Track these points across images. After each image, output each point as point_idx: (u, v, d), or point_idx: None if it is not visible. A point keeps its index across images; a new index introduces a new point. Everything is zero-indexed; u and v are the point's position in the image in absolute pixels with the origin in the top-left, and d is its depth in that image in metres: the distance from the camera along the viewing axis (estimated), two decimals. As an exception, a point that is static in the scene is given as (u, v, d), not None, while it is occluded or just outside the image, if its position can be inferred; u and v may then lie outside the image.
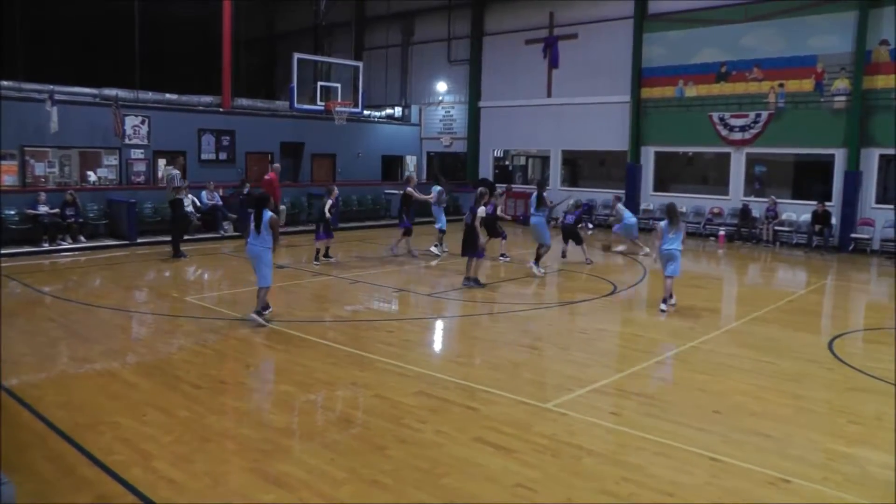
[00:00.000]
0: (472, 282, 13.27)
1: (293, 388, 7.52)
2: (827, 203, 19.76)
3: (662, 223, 11.66)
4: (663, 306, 11.50)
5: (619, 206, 17.77)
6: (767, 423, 6.66)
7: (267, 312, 10.41)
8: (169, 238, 16.59)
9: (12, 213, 16.94)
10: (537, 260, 14.82)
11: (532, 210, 15.02)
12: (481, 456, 5.81)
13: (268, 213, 10.05)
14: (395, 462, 5.68)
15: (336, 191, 15.82)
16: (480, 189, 13.45)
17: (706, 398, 7.37)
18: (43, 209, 17.07)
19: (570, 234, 16.57)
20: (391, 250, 16.98)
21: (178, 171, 16.14)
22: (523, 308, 11.84)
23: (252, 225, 10.10)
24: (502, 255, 16.67)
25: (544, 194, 15.14)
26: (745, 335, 10.28)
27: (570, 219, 16.59)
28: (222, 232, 19.85)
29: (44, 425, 6.38)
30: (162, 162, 21.83)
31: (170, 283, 14.10)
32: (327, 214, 15.31)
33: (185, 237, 17.29)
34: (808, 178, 21.78)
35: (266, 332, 9.81)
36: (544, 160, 28.04)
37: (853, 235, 19.63)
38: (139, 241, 18.14)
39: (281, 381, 7.72)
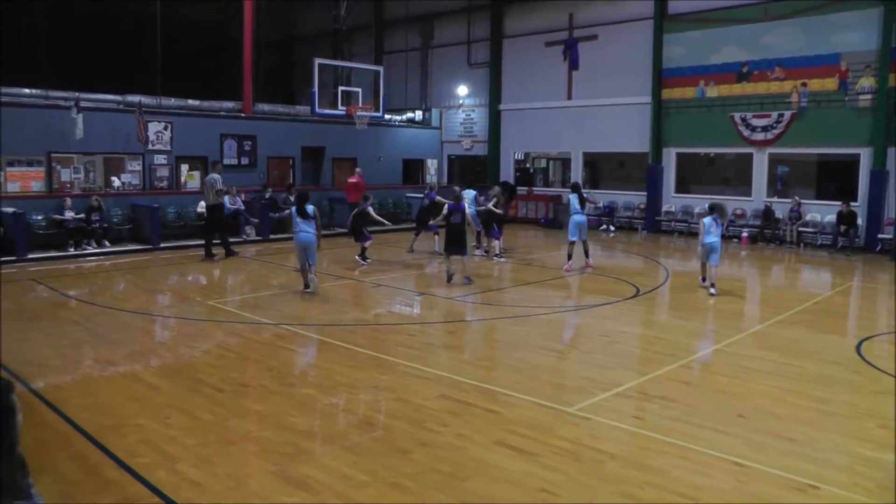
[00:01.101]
0: (468, 280, 13.85)
1: (315, 391, 7.54)
2: (852, 203, 19.52)
3: (708, 218, 13.04)
4: (713, 290, 13.02)
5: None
6: (792, 427, 6.58)
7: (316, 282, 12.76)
8: (216, 241, 17.15)
9: (39, 218, 17.14)
10: (570, 257, 15.72)
11: (578, 209, 15.57)
12: (503, 459, 5.79)
13: (311, 206, 12.64)
14: (417, 465, 5.67)
15: (371, 197, 16.44)
16: (497, 188, 13.81)
17: (729, 401, 7.30)
18: (69, 214, 17.27)
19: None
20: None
21: (218, 176, 16.59)
22: (545, 311, 11.79)
23: (298, 217, 12.57)
24: (497, 254, 17.06)
25: (585, 194, 16.04)
26: (769, 338, 10.17)
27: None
28: (244, 236, 19.96)
29: (69, 426, 6.45)
30: (185, 167, 22.03)
31: (192, 287, 14.19)
32: (377, 218, 15.97)
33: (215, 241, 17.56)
34: (833, 178, 21.52)
35: (288, 336, 9.85)
36: (565, 162, 27.95)
37: (880, 236, 19.36)
38: (162, 245, 18.29)
39: (302, 385, 7.74)
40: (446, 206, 14.25)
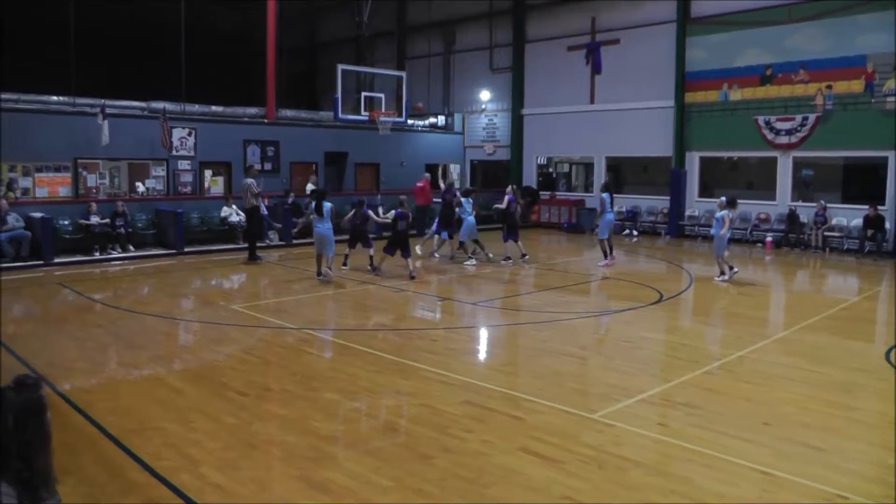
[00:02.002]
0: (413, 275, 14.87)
1: (338, 395, 7.54)
2: (879, 207, 19.28)
3: (725, 213, 13.97)
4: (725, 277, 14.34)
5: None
6: (820, 436, 6.48)
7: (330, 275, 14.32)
8: (245, 245, 17.64)
9: (66, 223, 17.32)
10: (611, 251, 16.69)
11: (610, 209, 16.62)
12: (527, 466, 5.76)
13: (328, 204, 14.43)
14: (440, 471, 5.65)
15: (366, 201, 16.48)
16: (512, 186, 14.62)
17: (755, 409, 7.22)
18: (94, 219, 17.44)
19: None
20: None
21: (252, 180, 16.95)
22: (568, 316, 11.74)
23: (314, 214, 14.44)
24: (507, 257, 17.09)
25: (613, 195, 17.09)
26: (794, 344, 10.06)
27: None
28: (268, 241, 20.04)
29: (95, 429, 6.49)
30: (208, 173, 22.22)
31: (216, 292, 14.27)
32: (380, 220, 16.00)
33: (234, 246, 17.73)
34: (859, 182, 21.26)
35: (311, 340, 9.87)
36: (588, 167, 27.85)
37: (909, 240, 19.12)
38: (186, 250, 18.42)
39: (325, 389, 7.74)
40: (393, 213, 15.19)
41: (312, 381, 8.00)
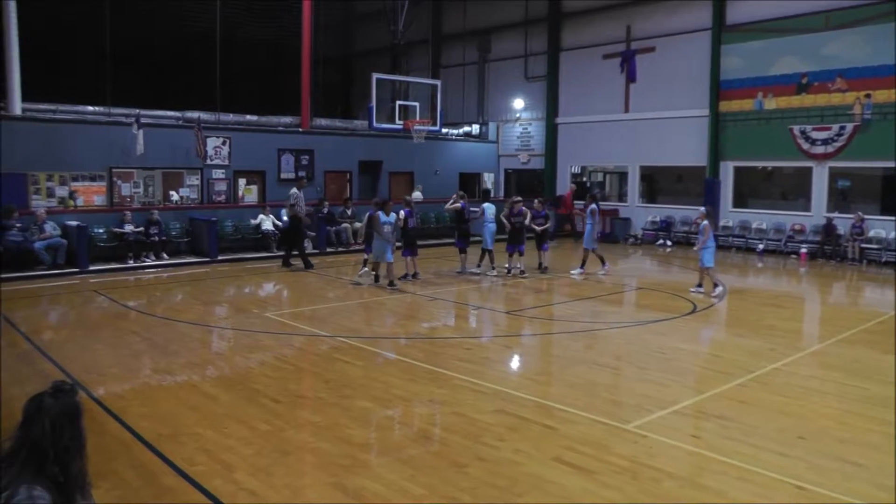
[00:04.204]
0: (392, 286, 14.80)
1: (371, 403, 7.61)
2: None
3: (706, 222, 14.22)
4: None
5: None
6: (856, 450, 6.43)
7: (397, 283, 14.80)
8: (296, 253, 17.94)
9: (101, 231, 17.61)
10: (603, 261, 17.17)
11: (597, 219, 17.20)
12: (560, 476, 5.78)
13: (379, 213, 14.54)
14: (474, 480, 5.69)
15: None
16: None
17: (789, 422, 7.17)
18: (128, 228, 17.72)
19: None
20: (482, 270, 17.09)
21: (295, 191, 17.78)
22: (601, 326, 11.72)
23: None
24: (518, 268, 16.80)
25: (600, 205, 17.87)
26: (829, 357, 9.97)
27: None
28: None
29: (129, 434, 6.63)
30: (242, 181, 22.48)
31: (249, 299, 14.43)
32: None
33: (268, 254, 18.00)
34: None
35: (344, 348, 9.96)
36: (622, 176, 27.74)
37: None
38: (219, 258, 18.64)
39: (359, 397, 7.80)
40: (402, 212, 15.38)
41: (346, 389, 8.08)
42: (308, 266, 17.42)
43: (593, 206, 17.14)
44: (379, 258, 14.87)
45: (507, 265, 16.85)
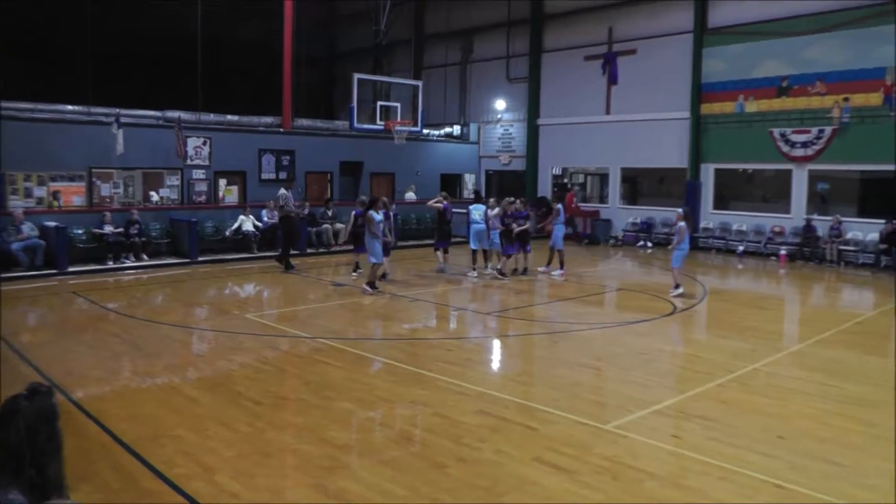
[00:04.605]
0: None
1: (353, 405, 7.59)
2: (896, 221, 19.19)
3: (683, 223, 14.12)
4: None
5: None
6: (836, 450, 6.49)
7: (375, 288, 14.11)
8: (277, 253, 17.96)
9: (80, 232, 17.46)
10: (562, 264, 17.16)
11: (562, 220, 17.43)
12: (541, 476, 5.79)
13: (370, 213, 14.11)
14: (455, 481, 5.69)
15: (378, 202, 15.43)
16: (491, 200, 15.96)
17: (770, 422, 7.22)
18: (108, 228, 17.57)
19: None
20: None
21: (283, 192, 17.65)
22: (582, 327, 11.77)
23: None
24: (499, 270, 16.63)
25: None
26: (809, 358, 10.05)
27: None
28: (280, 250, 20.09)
29: (109, 437, 6.57)
30: (223, 182, 22.38)
31: (230, 301, 14.35)
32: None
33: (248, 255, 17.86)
34: (876, 196, 21.11)
35: (326, 350, 9.93)
36: (603, 178, 27.83)
37: (927, 255, 18.99)
38: (200, 259, 18.53)
39: (340, 398, 7.79)
40: (381, 213, 14.64)
41: (327, 391, 8.05)
42: (289, 268, 17.30)
43: (559, 205, 17.42)
44: (378, 258, 14.48)
45: (499, 266, 16.67)
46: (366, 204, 14.96)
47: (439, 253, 17.20)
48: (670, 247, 14.86)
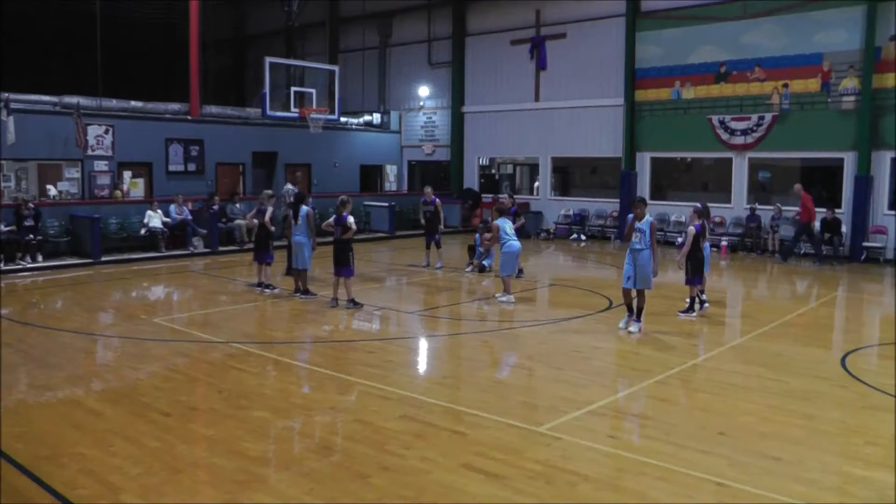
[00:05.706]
0: (352, 303, 12.90)
1: (269, 413, 7.49)
2: (836, 210, 19.85)
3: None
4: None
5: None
6: (777, 445, 6.66)
7: (308, 296, 13.57)
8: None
9: (-35, 230, 16.85)
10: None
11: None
12: (470, 483, 5.79)
13: (304, 209, 13.38)
14: (379, 491, 5.66)
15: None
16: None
17: (710, 419, 7.38)
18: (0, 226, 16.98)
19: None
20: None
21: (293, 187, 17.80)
22: (512, 326, 11.85)
23: (292, 219, 13.67)
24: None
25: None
26: (750, 352, 10.30)
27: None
28: (192, 248, 19.77)
29: (1, 458, 6.33)
30: (127, 174, 21.87)
31: (137, 304, 14.04)
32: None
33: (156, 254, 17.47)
34: (817, 184, 21.80)
35: (239, 355, 9.78)
36: (533, 168, 28.09)
37: (865, 244, 19.74)
38: (104, 259, 18.06)
39: (256, 407, 7.68)
40: (332, 219, 13.05)
41: (241, 399, 7.93)
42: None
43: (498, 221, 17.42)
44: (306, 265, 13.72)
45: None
46: (294, 197, 14.64)
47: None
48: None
